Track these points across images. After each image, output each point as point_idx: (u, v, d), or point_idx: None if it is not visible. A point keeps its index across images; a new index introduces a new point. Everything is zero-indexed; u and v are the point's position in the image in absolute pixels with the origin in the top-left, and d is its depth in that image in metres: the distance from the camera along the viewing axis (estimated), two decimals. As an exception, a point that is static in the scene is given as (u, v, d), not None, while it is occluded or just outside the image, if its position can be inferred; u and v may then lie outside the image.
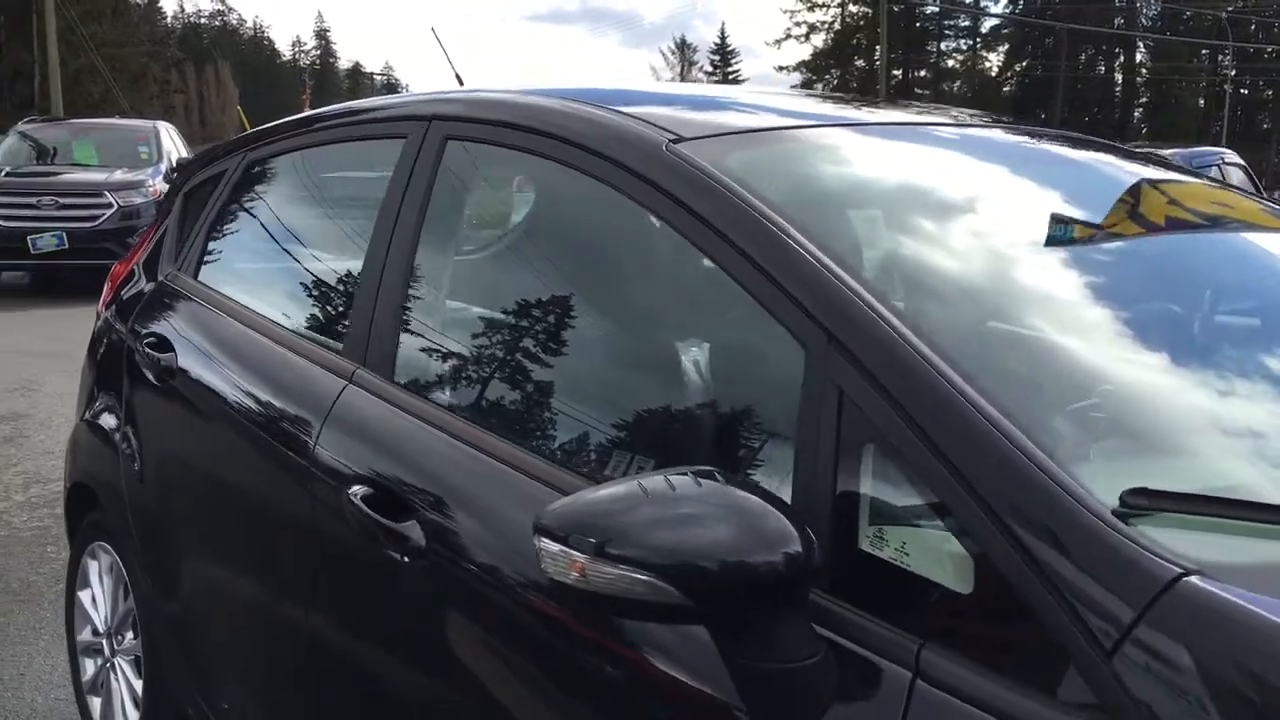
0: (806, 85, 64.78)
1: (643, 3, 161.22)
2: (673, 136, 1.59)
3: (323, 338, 2.09)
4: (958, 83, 66.63)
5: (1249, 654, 0.96)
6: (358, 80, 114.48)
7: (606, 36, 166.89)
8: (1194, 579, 1.00)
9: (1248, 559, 1.08)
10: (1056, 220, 1.60)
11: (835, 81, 65.07)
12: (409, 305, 1.89)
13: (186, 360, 2.37)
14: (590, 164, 1.65)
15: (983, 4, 66.09)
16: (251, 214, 2.57)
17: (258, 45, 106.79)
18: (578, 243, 1.85)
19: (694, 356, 1.54)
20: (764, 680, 1.17)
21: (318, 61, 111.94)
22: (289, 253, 2.45)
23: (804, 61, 64.78)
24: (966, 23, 65.56)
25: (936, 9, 65.02)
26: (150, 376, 2.47)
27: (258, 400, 2.09)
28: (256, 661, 2.16)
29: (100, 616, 2.78)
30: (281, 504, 1.96)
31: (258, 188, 2.58)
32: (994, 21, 65.13)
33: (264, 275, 2.50)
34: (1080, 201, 1.79)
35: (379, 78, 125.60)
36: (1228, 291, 1.72)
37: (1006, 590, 1.08)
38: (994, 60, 66.60)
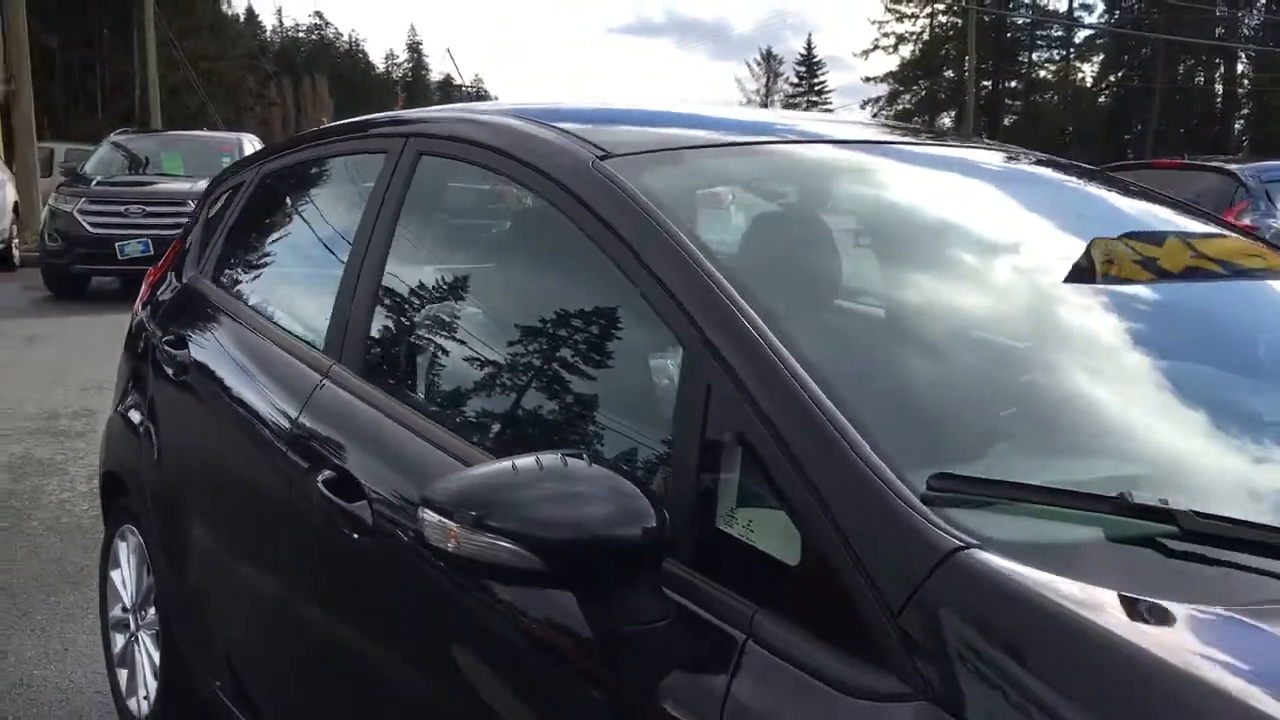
0: (893, 97, 64.35)
1: (732, 13, 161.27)
2: (600, 153, 1.73)
3: (310, 335, 2.26)
4: (1050, 94, 65.57)
5: (1009, 615, 1.08)
6: (448, 92, 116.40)
7: (694, 50, 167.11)
8: (970, 552, 1.11)
9: (1027, 536, 1.18)
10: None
11: (923, 93, 64.52)
12: (379, 305, 2.06)
13: (196, 356, 2.57)
14: (529, 177, 1.80)
15: (1077, 14, 64.94)
16: (260, 222, 2.78)
17: (353, 58, 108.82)
18: (519, 250, 1.99)
19: (658, 364, 1.66)
20: (619, 639, 1.30)
21: (409, 74, 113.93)
22: (287, 257, 2.64)
23: (892, 73, 64.32)
24: (1059, 33, 64.52)
25: (1028, 20, 64.12)
26: (168, 371, 2.68)
27: (251, 393, 2.28)
28: (250, 631, 2.34)
29: (128, 594, 3.00)
30: (267, 486, 2.14)
31: (267, 198, 2.78)
32: (1088, 31, 64.00)
33: (267, 278, 2.69)
34: (966, 210, 1.91)
35: (468, 89, 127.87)
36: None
37: (823, 562, 1.20)
38: (1088, 71, 65.46)
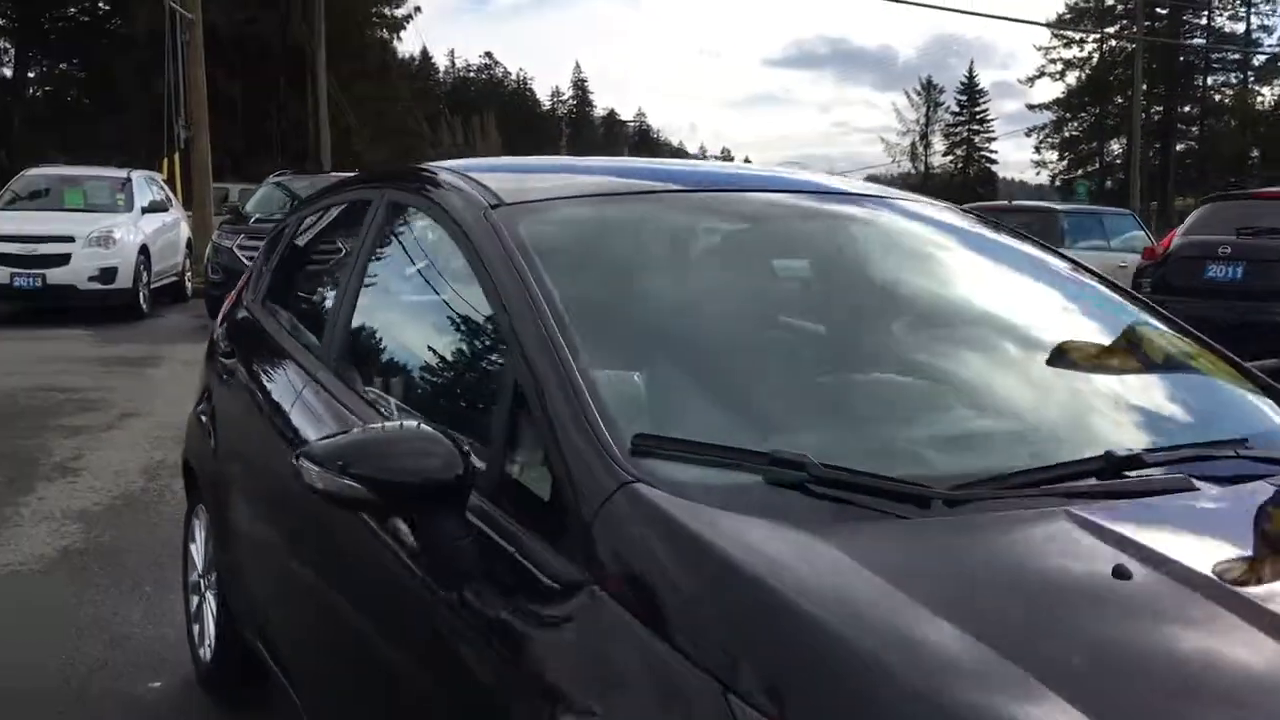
0: (1059, 124, 62.83)
1: (897, 41, 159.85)
2: (494, 202, 2.24)
3: (310, 345, 2.84)
4: (1227, 118, 62.95)
5: (654, 526, 1.55)
6: (611, 128, 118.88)
7: (858, 81, 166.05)
8: (637, 485, 1.58)
9: (698, 479, 1.64)
10: None
11: (1091, 120, 62.86)
12: (353, 321, 2.62)
13: (239, 365, 3.18)
14: (444, 220, 2.33)
15: (1255, 35, 62.32)
16: (295, 257, 3.39)
17: (521, 96, 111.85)
18: (439, 276, 2.51)
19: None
20: (438, 551, 1.80)
21: (574, 110, 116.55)
22: (305, 285, 3.24)
23: (1058, 99, 62.93)
24: (1236, 56, 61.96)
25: (1202, 43, 61.83)
26: (222, 378, 3.30)
27: (263, 397, 2.87)
28: (272, 597, 2.90)
29: (199, 562, 3.63)
30: (270, 464, 2.71)
31: (301, 238, 3.39)
32: (1268, 54, 61.30)
33: (290, 301, 3.29)
34: (762, 245, 2.42)
35: (631, 125, 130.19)
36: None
37: (559, 495, 1.68)
38: (1268, 95, 62.63)
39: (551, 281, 2.02)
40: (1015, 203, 18.38)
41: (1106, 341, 2.31)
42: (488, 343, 2.15)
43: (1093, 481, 1.74)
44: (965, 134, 72.58)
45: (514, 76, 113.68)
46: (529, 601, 1.65)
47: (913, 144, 72.28)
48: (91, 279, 12.99)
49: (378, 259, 2.64)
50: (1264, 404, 2.22)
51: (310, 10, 32.61)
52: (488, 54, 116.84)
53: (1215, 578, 1.50)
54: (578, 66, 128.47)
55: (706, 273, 2.42)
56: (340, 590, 2.32)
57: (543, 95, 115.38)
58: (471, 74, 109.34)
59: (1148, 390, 2.21)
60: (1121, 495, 1.71)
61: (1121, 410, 2.12)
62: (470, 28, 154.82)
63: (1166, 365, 2.29)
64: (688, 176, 2.80)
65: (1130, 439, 1.97)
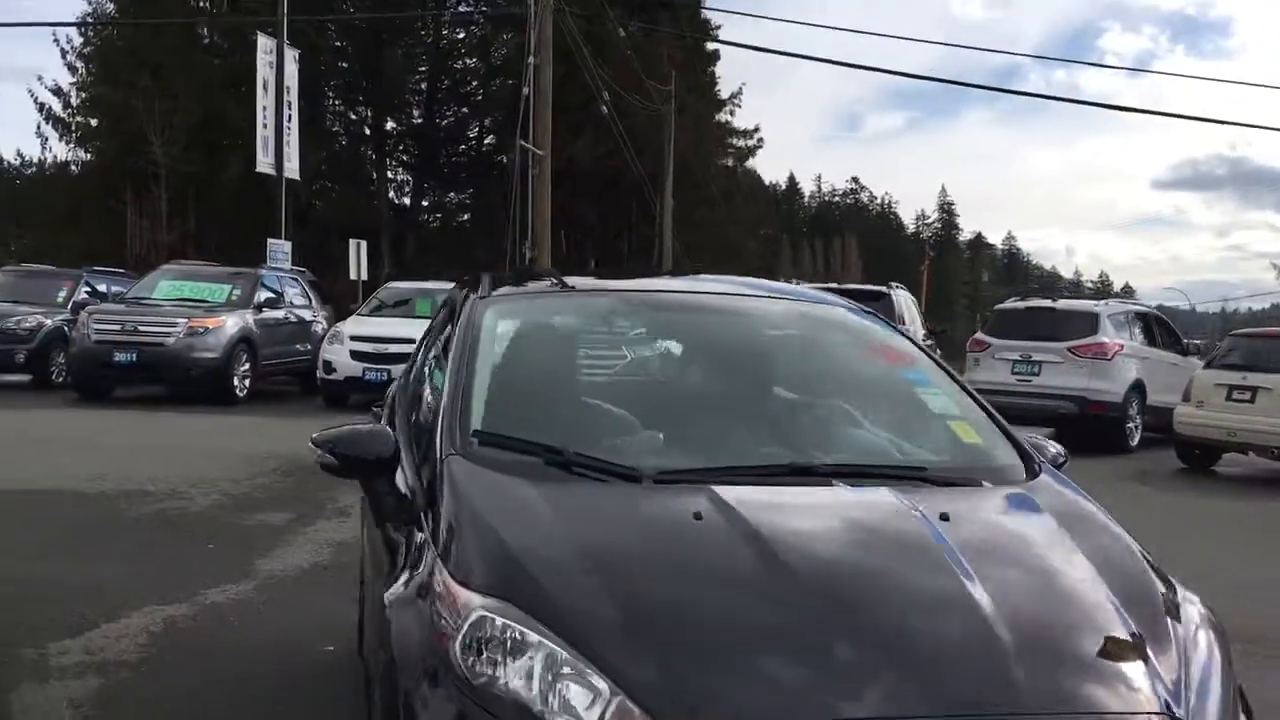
0: None
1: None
2: (482, 294, 3.45)
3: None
4: None
5: (457, 484, 2.64)
6: (978, 250, 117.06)
7: (1259, 202, 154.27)
8: (453, 458, 2.69)
9: (506, 459, 2.71)
10: None
11: None
12: (412, 373, 3.89)
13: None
14: (458, 305, 3.54)
15: None
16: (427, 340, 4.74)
17: (885, 219, 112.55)
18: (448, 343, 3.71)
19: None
20: (375, 496, 2.98)
21: (940, 233, 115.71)
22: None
23: None
24: None
25: None
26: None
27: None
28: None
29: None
30: None
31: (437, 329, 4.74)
32: None
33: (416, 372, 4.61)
34: (644, 323, 3.45)
35: (1000, 248, 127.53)
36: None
37: (422, 481, 2.81)
38: None
39: (484, 340, 3.19)
40: None
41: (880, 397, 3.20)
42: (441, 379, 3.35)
43: (752, 475, 2.68)
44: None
45: (879, 200, 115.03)
46: (408, 512, 2.78)
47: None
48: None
49: (431, 331, 3.92)
50: (996, 447, 3.01)
51: (661, 144, 35.65)
52: (854, 178, 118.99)
53: (751, 521, 2.41)
54: (943, 190, 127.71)
55: (589, 342, 3.50)
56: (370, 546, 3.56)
57: (907, 218, 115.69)
58: (836, 198, 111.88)
59: (881, 430, 3.07)
60: (760, 483, 2.64)
61: (843, 443, 3.00)
62: (838, 153, 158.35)
63: (922, 419, 3.13)
64: (650, 289, 3.92)
65: (828, 457, 2.85)
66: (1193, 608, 2.48)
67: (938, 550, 2.36)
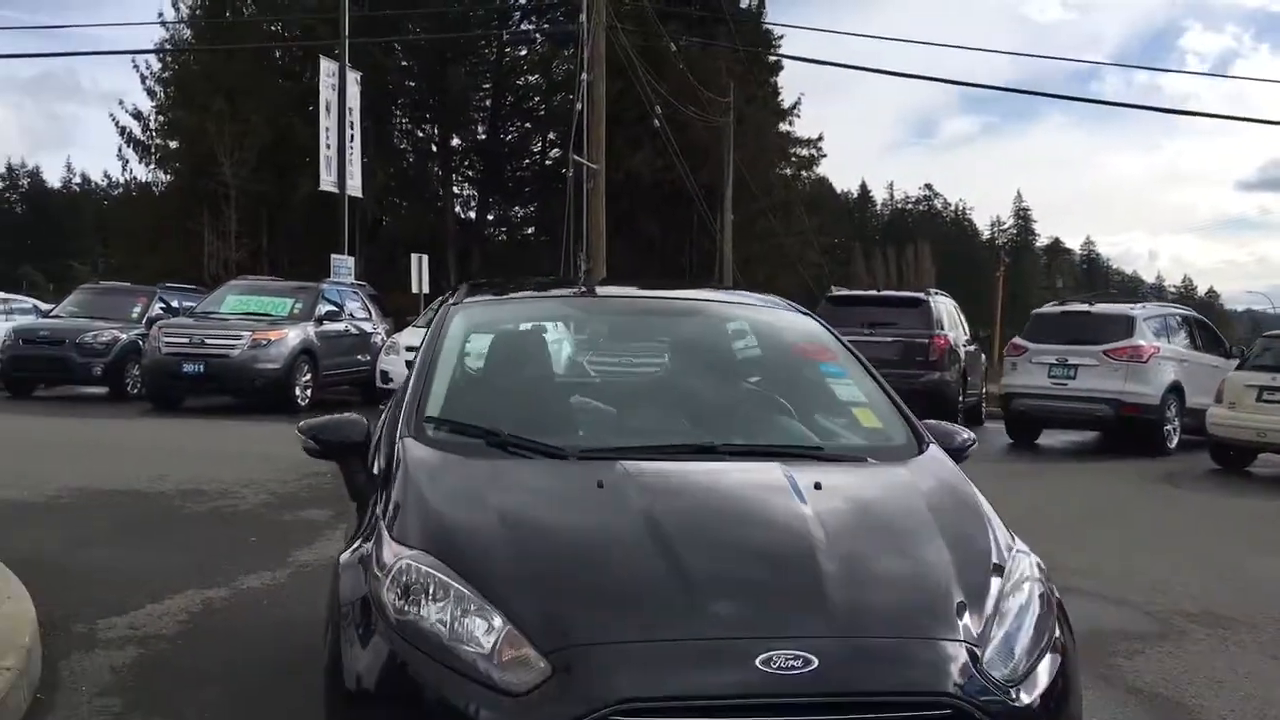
0: None
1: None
2: (455, 301, 3.94)
3: None
4: None
5: (406, 458, 3.12)
6: (1055, 256, 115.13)
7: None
8: (405, 439, 3.18)
9: (451, 440, 3.21)
10: None
11: None
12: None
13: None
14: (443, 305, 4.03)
15: None
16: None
17: (959, 226, 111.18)
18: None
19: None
20: (355, 478, 3.47)
21: (1015, 239, 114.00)
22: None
23: None
24: None
25: None
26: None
27: None
28: None
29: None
30: None
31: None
32: None
33: None
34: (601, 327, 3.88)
35: (1078, 253, 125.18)
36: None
37: (383, 461, 3.29)
38: None
39: (448, 340, 3.67)
40: None
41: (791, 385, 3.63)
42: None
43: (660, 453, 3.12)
44: None
45: (952, 207, 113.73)
46: (372, 488, 3.26)
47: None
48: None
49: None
50: (893, 430, 3.42)
51: (720, 156, 36.07)
52: (927, 185, 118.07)
53: (642, 489, 2.86)
54: (1019, 195, 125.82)
55: (560, 339, 3.94)
56: None
57: (982, 225, 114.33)
58: (909, 205, 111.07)
59: (788, 418, 3.49)
60: (668, 460, 3.08)
61: (753, 426, 3.43)
62: (912, 160, 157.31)
63: (831, 406, 3.55)
64: (603, 296, 4.37)
65: (734, 438, 3.28)
66: (1026, 561, 2.86)
67: (797, 510, 2.78)
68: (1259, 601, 6.51)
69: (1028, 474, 12.60)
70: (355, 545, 2.97)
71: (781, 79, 44.65)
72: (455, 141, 43.53)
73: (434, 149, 43.44)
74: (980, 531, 2.92)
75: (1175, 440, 14.14)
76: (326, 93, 23.11)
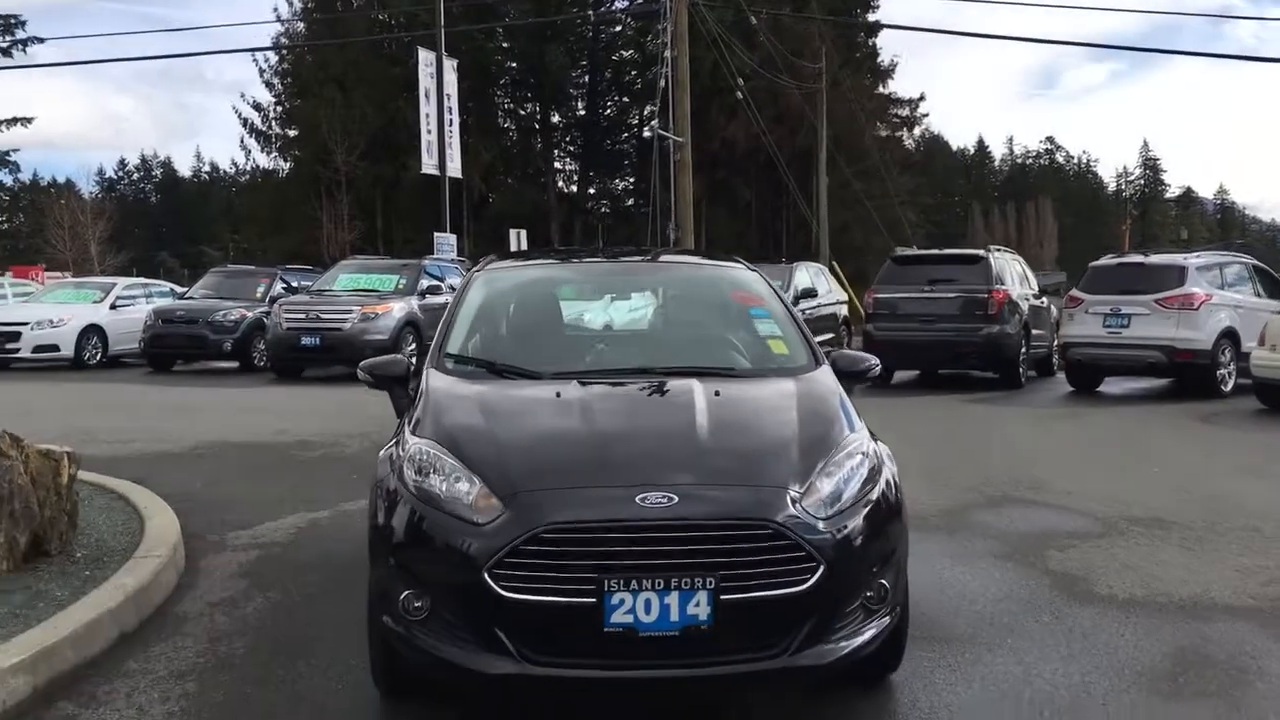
0: None
1: None
2: (479, 267, 5.17)
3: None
4: None
5: (427, 380, 4.36)
6: (1188, 205, 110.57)
7: None
8: (431, 369, 4.44)
9: (462, 373, 4.46)
10: None
11: None
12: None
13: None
14: (472, 269, 5.27)
15: None
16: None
17: (1082, 179, 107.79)
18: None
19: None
20: (397, 399, 4.74)
21: (1143, 189, 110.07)
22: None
23: None
24: None
25: None
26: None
27: None
28: None
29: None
30: None
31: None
32: None
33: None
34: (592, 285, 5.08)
35: (1212, 202, 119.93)
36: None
37: (417, 387, 4.53)
38: None
39: (469, 295, 4.89)
40: None
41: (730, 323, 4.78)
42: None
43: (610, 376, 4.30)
44: None
45: (1076, 160, 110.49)
46: (412, 405, 4.47)
47: None
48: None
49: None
50: (797, 356, 4.54)
51: (814, 121, 36.72)
52: (1049, 138, 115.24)
53: (587, 397, 4.04)
54: (1146, 144, 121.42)
55: (551, 294, 5.12)
56: None
57: (1107, 176, 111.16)
58: (1030, 160, 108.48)
59: (716, 348, 4.62)
60: (616, 380, 4.26)
61: (687, 354, 4.58)
62: (1032, 113, 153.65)
63: (751, 339, 4.67)
64: (600, 257, 5.51)
65: (668, 364, 4.43)
66: (864, 442, 3.94)
67: (692, 405, 3.94)
68: (1207, 512, 7.33)
69: (1066, 416, 13.35)
70: (392, 442, 4.21)
71: (881, 39, 44.96)
72: (555, 118, 45.03)
73: (536, 126, 45.01)
74: (831, 420, 4.01)
75: (1230, 384, 14.66)
76: (425, 80, 24.64)
